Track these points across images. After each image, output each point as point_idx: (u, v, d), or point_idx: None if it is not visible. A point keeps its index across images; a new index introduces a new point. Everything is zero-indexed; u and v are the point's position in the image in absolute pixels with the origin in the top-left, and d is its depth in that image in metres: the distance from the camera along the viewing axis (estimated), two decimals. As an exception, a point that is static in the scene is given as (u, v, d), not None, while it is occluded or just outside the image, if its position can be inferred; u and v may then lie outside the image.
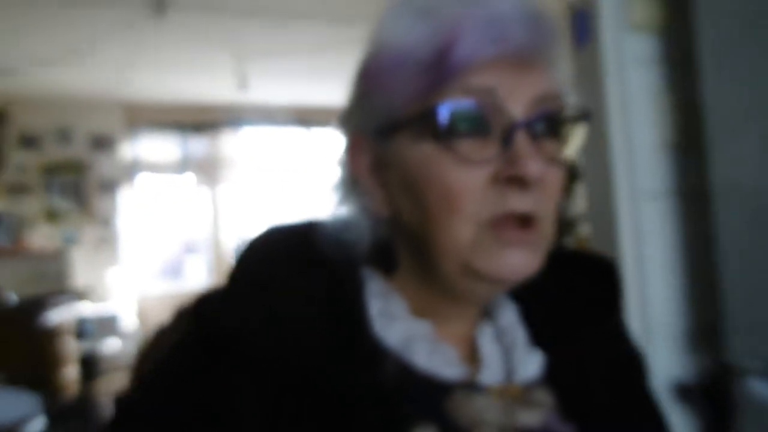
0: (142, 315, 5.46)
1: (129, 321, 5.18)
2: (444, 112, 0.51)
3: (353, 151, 0.58)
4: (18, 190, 5.35)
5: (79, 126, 5.62)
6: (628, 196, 1.32)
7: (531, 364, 0.59)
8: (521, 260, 0.52)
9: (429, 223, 0.53)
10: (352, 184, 0.59)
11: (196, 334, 0.53)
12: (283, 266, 0.56)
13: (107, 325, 4.85)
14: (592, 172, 1.42)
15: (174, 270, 5.98)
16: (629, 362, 0.66)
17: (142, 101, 5.68)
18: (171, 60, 4.65)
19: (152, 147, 5.99)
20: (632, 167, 1.32)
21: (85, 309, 4.67)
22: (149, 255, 5.86)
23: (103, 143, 5.71)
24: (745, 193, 1.14)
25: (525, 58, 0.51)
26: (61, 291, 4.39)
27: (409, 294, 0.58)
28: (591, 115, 0.57)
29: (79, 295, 4.70)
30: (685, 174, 1.35)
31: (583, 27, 1.32)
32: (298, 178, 5.95)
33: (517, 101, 0.51)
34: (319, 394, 0.49)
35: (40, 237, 5.21)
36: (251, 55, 4.27)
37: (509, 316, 0.63)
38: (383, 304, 0.58)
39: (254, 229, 0.60)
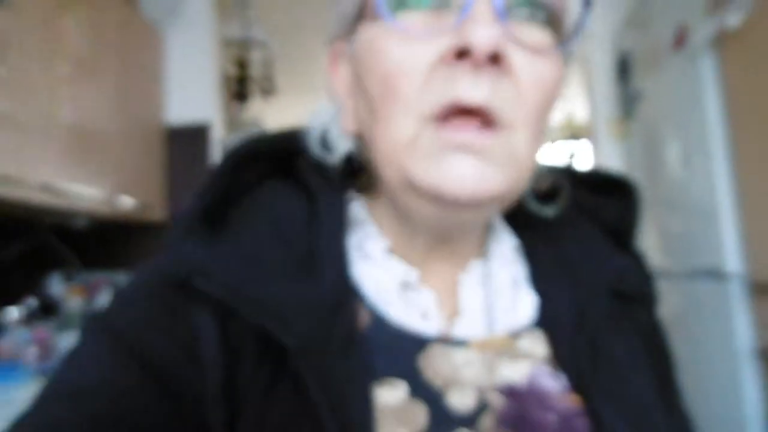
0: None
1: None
2: None
3: (331, 62, 0.50)
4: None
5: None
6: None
7: (521, 309, 0.50)
8: (469, 171, 0.38)
9: (373, 122, 0.43)
10: (335, 101, 0.50)
11: (165, 262, 0.45)
12: (258, 186, 0.49)
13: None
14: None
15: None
16: (640, 297, 0.54)
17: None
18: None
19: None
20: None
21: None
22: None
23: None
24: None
25: None
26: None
27: (387, 228, 0.49)
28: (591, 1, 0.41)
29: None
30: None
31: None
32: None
33: None
34: (284, 341, 0.40)
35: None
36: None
37: (503, 252, 0.52)
38: (362, 239, 0.49)
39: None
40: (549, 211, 0.53)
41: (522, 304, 0.51)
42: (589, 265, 0.53)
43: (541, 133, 0.43)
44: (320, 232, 0.46)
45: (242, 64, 3.27)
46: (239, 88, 3.24)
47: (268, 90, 3.38)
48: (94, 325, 0.42)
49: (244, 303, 0.41)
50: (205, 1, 2.73)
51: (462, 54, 0.39)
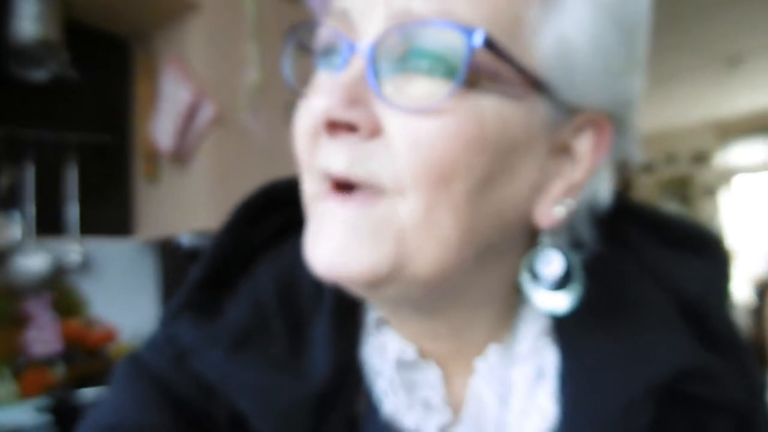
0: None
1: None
2: (315, 44, 0.41)
3: None
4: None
5: (681, 149, 7.16)
6: None
7: (536, 415, 0.43)
8: (332, 240, 0.36)
9: None
10: None
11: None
12: (275, 242, 0.47)
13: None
14: None
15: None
16: (718, 404, 0.42)
17: (732, 118, 6.82)
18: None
19: (743, 153, 7.05)
20: None
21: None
22: (754, 244, 6.84)
23: (700, 158, 7.10)
24: None
25: None
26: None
27: None
28: (473, 33, 0.34)
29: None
30: None
31: None
32: None
33: (371, 21, 0.37)
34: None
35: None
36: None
37: (531, 336, 0.44)
38: (368, 308, 0.46)
39: None
40: (560, 303, 0.40)
41: (538, 408, 0.43)
42: (643, 356, 0.41)
43: (454, 198, 0.35)
44: (321, 307, 0.44)
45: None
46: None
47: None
48: (129, 368, 0.44)
49: (229, 389, 0.41)
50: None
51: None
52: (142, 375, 0.43)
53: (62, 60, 1.72)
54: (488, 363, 0.44)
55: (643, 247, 0.47)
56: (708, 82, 5.39)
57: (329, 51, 0.40)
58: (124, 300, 1.97)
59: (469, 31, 0.34)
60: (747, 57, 4.77)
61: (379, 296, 0.40)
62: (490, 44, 0.34)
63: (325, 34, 0.40)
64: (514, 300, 0.45)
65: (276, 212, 0.49)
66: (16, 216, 1.77)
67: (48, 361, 1.72)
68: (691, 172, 7.11)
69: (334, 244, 0.36)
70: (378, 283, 0.36)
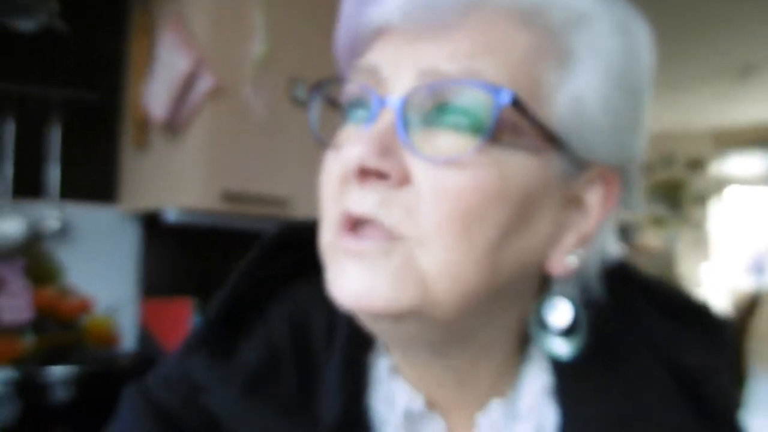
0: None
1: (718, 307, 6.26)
2: (342, 98, 0.43)
3: None
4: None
5: (678, 153, 7.15)
6: None
7: None
8: (352, 277, 0.38)
9: None
10: None
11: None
12: (290, 282, 0.48)
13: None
14: None
15: (759, 268, 6.71)
16: None
17: (733, 128, 6.81)
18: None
19: (739, 164, 7.06)
20: None
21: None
22: (738, 254, 6.95)
23: (696, 165, 7.10)
24: None
25: (423, 24, 0.38)
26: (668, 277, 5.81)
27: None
28: (497, 90, 0.36)
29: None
30: None
31: None
32: None
33: (400, 78, 0.39)
34: None
35: (649, 238, 6.93)
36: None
37: (532, 393, 0.46)
38: (376, 357, 0.47)
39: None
40: (564, 349, 0.43)
41: None
42: (638, 423, 0.43)
43: (476, 248, 0.37)
44: (333, 353, 0.45)
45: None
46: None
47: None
48: (136, 400, 0.45)
49: (240, 429, 0.42)
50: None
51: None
52: (149, 407, 0.44)
53: (52, 10, 1.61)
54: (490, 419, 0.45)
55: (646, 315, 0.48)
56: (716, 90, 5.36)
57: (356, 105, 0.42)
58: (102, 271, 1.88)
59: (497, 91, 0.37)
60: (759, 68, 4.71)
61: (397, 333, 0.41)
62: (516, 103, 0.37)
63: (352, 89, 0.42)
64: (518, 356, 0.47)
65: (290, 253, 0.50)
66: (-8, 175, 1.67)
67: (18, 330, 1.63)
68: (685, 178, 7.12)
69: (358, 283, 0.38)
70: (400, 317, 0.38)
